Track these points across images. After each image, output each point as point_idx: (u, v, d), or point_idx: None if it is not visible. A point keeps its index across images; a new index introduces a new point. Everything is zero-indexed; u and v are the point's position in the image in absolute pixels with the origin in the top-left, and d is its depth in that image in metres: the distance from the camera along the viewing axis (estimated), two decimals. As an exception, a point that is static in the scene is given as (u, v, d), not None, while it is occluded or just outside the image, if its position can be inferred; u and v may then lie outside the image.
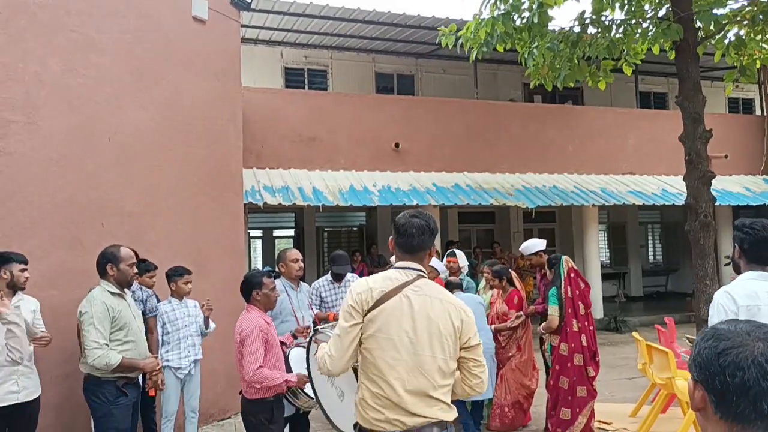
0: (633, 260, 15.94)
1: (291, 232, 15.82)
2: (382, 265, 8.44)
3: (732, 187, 12.18)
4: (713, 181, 7.59)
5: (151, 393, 4.17)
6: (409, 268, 2.53)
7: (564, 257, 5.17)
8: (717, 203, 8.29)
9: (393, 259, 2.64)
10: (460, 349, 2.49)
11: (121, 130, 5.39)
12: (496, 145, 11.72)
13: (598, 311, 11.49)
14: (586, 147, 12.26)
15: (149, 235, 5.49)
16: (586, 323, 4.95)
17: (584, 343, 4.87)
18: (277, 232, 17.28)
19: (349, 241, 15.34)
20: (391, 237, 2.60)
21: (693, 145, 7.38)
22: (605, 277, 13.44)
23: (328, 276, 5.79)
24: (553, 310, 4.97)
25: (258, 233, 17.48)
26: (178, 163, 5.90)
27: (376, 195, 9.82)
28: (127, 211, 5.35)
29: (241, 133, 7.03)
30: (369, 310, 2.41)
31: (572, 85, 8.83)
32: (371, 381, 2.41)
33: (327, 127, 10.79)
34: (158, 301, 5.07)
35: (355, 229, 15.46)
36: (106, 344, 3.58)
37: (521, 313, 5.77)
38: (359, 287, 2.47)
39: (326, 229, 15.19)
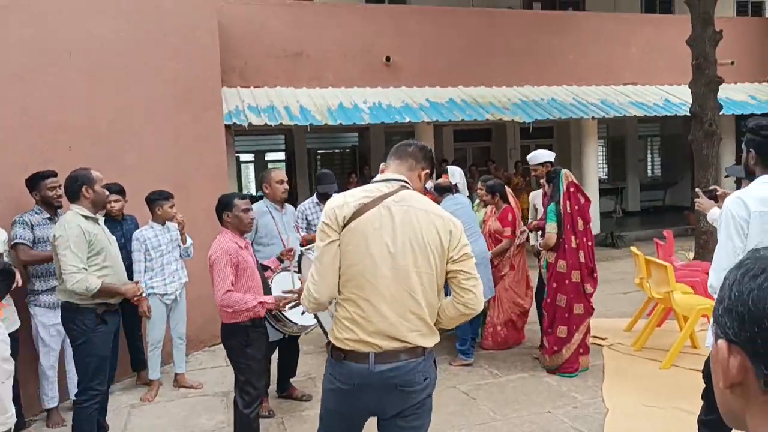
0: (631, 175, 15.70)
1: (282, 155, 15.45)
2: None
3: (736, 95, 11.73)
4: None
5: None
6: (391, 179, 2.32)
7: (564, 171, 4.90)
8: (722, 112, 7.95)
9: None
10: (449, 262, 2.28)
11: (86, 43, 4.97)
12: (492, 57, 11.16)
13: (595, 227, 11.34)
14: (586, 56, 11.70)
15: (125, 158, 5.19)
16: (584, 239, 4.76)
17: (582, 259, 4.70)
18: (269, 156, 16.92)
19: (342, 163, 15.03)
20: (383, 164, 2.44)
21: (701, 49, 6.95)
22: (603, 192, 13.25)
23: (314, 197, 5.55)
24: (551, 227, 4.77)
25: (249, 157, 17.11)
26: (153, 80, 5.51)
27: (366, 112, 9.42)
28: (99, 133, 5.02)
29: (218, 46, 6.56)
30: (345, 224, 2.20)
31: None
32: (349, 299, 2.23)
33: (314, 41, 10.21)
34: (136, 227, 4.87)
35: (347, 150, 15.11)
36: (84, 268, 3.40)
37: (524, 228, 5.59)
38: (334, 202, 2.26)
39: (318, 150, 14.83)
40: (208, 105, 6.17)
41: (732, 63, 10.60)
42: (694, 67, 7.14)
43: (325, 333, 2.72)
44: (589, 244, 4.81)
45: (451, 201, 5.33)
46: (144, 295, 4.25)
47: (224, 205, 3.45)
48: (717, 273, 2.43)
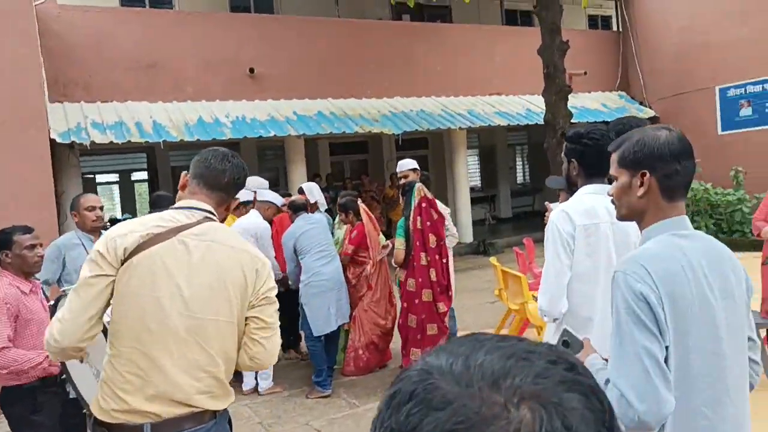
0: (502, 182, 16.27)
1: (145, 174, 14.44)
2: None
3: (590, 103, 12.45)
4: (572, 99, 7.51)
5: None
6: (193, 208, 1.92)
7: (418, 185, 4.72)
8: (574, 119, 8.29)
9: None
10: (248, 306, 1.94)
11: None
12: (362, 68, 11.02)
13: (467, 235, 11.57)
14: (454, 67, 11.90)
15: None
16: (437, 257, 4.61)
17: (433, 277, 4.54)
18: (136, 175, 15.77)
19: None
20: (184, 173, 2.00)
21: (550, 58, 7.18)
22: (476, 200, 13.57)
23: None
24: (399, 243, 4.59)
25: (114, 177, 15.85)
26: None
27: (228, 127, 8.90)
28: None
29: (39, 57, 5.82)
30: (126, 259, 1.78)
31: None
32: (122, 356, 1.80)
33: (169, 52, 9.52)
34: None
35: (222, 166, 14.34)
36: None
37: (387, 242, 5.36)
38: (115, 230, 1.83)
39: (184, 168, 13.96)
40: (27, 123, 5.42)
41: (585, 73, 11.22)
42: (545, 76, 7.37)
43: (82, 399, 2.26)
44: (444, 261, 4.67)
45: (304, 219, 5.03)
46: None
47: (0, 243, 2.88)
48: (545, 295, 2.24)
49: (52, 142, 7.14)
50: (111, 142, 7.89)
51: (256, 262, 1.98)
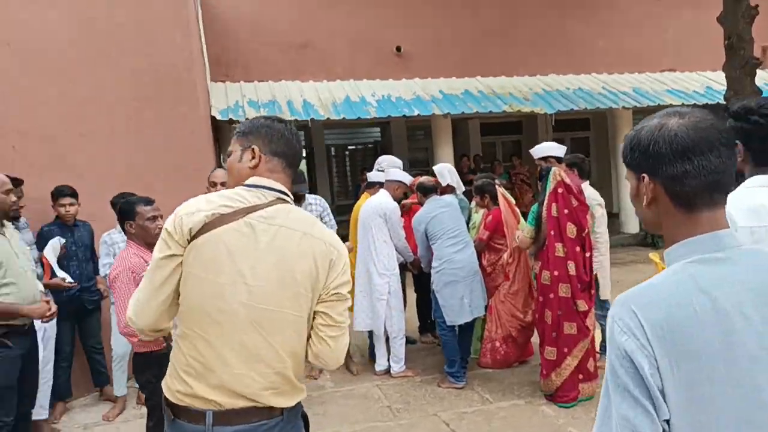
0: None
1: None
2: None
3: (786, 80, 10.62)
4: (762, 73, 6.36)
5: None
6: (265, 188, 1.75)
7: (555, 169, 4.23)
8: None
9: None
10: (317, 300, 1.75)
11: (26, 34, 4.60)
12: (513, 44, 10.42)
13: (633, 226, 10.55)
14: (618, 42, 10.81)
15: (75, 158, 4.81)
16: (577, 248, 4.09)
17: (572, 271, 4.03)
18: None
19: (364, 159, 14.50)
20: (255, 147, 1.78)
21: (734, 26, 6.10)
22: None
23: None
24: (527, 230, 4.17)
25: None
26: (106, 74, 5.10)
27: (373, 106, 8.87)
28: (43, 132, 4.65)
29: (194, 36, 6.13)
30: (193, 238, 1.65)
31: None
32: (186, 339, 1.69)
33: (320, 32, 9.73)
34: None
35: (370, 145, 14.57)
36: None
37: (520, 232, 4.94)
38: (184, 207, 1.70)
39: (338, 146, 14.35)
40: (179, 100, 5.73)
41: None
42: (727, 48, 6.29)
43: None
44: (586, 255, 4.14)
45: (434, 203, 4.77)
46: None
47: (125, 213, 2.97)
48: None
49: (214, 119, 7.68)
50: (264, 120, 8.22)
51: (331, 252, 1.76)
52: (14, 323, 3.14)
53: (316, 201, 5.13)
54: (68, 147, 4.77)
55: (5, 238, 3.19)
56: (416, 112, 8.76)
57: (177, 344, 1.72)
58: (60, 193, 4.40)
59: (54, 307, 3.32)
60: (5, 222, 3.24)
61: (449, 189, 5.46)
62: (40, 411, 3.92)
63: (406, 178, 5.11)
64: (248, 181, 1.77)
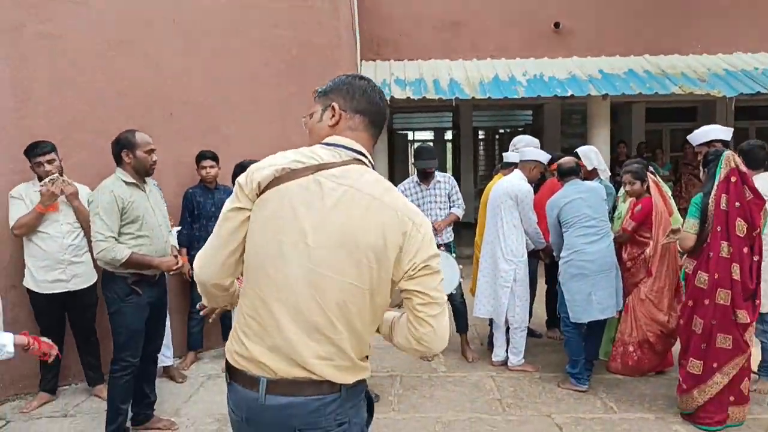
0: None
1: (450, 134, 14.91)
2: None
3: None
4: None
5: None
6: (342, 146, 1.65)
7: (727, 153, 3.60)
8: None
9: None
10: (403, 277, 1.59)
11: (188, 10, 4.95)
12: (692, 17, 9.24)
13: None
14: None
15: (223, 127, 5.12)
16: (745, 249, 3.46)
17: (736, 276, 3.42)
18: (448, 134, 16.48)
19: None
20: (335, 105, 1.67)
21: None
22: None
23: (414, 176, 4.95)
24: (690, 225, 3.56)
25: (428, 135, 16.84)
26: (255, 48, 5.36)
27: (522, 86, 8.40)
28: (197, 101, 5.00)
29: (344, 16, 6.23)
30: (261, 192, 1.59)
31: None
32: (246, 297, 1.64)
33: (473, 9, 9.43)
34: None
35: (520, 128, 13.96)
36: (113, 237, 3.27)
37: (679, 227, 4.34)
38: (258, 163, 1.64)
39: (487, 129, 13.95)
40: (323, 75, 5.84)
41: None
42: None
43: None
44: (755, 258, 3.48)
45: (573, 187, 4.35)
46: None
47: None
48: None
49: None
50: (408, 98, 8.18)
51: (405, 222, 1.58)
52: (145, 273, 3.41)
53: (444, 178, 4.97)
54: (215, 117, 5.09)
55: (144, 193, 3.46)
56: (569, 92, 8.13)
57: (239, 303, 1.68)
58: (202, 156, 4.75)
59: (181, 262, 3.56)
60: (146, 179, 3.52)
61: (594, 174, 4.99)
62: (163, 359, 4.25)
63: (543, 157, 4.74)
64: (326, 140, 1.67)
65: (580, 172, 4.49)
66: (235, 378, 1.64)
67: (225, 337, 5.00)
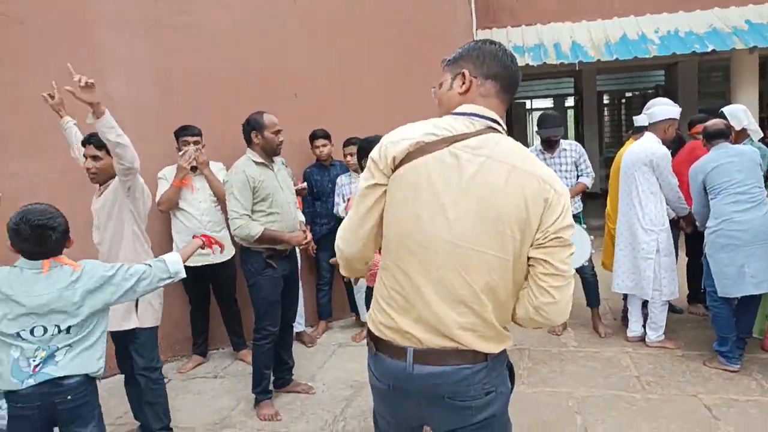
0: None
1: (572, 101, 14.18)
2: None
3: None
4: None
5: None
6: (475, 115, 1.60)
7: None
8: None
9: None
10: (533, 244, 1.55)
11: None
12: None
13: None
14: None
15: (347, 105, 5.23)
16: None
17: None
18: (569, 101, 15.74)
19: (642, 107, 13.02)
20: (466, 71, 1.62)
21: None
22: None
23: (537, 144, 4.77)
24: None
25: (548, 102, 16.18)
26: (375, 25, 5.39)
27: (654, 43, 7.76)
28: (319, 81, 5.14)
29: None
30: (396, 167, 1.59)
31: None
32: (388, 270, 1.65)
33: (597, -35, 8.81)
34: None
35: (650, 91, 12.96)
36: (247, 214, 3.47)
37: None
38: (389, 136, 1.63)
39: (612, 93, 13.09)
40: (439, 47, 5.76)
41: None
42: None
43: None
44: None
45: (721, 151, 3.97)
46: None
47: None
48: None
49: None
50: (527, 65, 7.87)
51: (547, 190, 1.52)
52: (278, 248, 3.59)
53: (571, 146, 4.75)
54: (338, 95, 5.21)
55: (273, 172, 3.63)
56: (710, 47, 7.40)
57: (380, 276, 1.70)
58: (314, 136, 4.90)
59: (309, 236, 3.71)
60: (274, 158, 3.68)
61: (742, 135, 4.52)
62: (296, 325, 4.45)
63: (675, 112, 4.34)
64: (457, 109, 1.63)
65: (730, 134, 4.08)
66: (381, 348, 1.67)
67: (352, 309, 5.21)
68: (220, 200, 4.25)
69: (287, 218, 3.61)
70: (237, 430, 3.52)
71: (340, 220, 4.83)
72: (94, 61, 4.30)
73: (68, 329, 2.20)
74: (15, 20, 4.05)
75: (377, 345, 1.69)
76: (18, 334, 2.14)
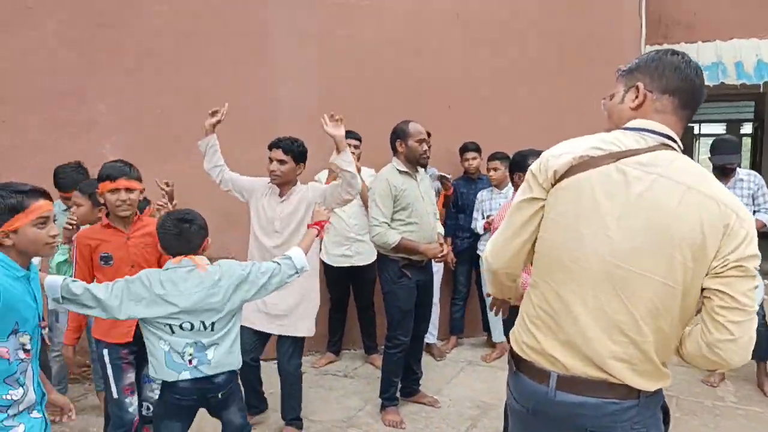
0: None
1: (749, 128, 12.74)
2: None
3: None
4: None
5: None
6: (647, 131, 1.49)
7: None
8: None
9: None
10: (709, 273, 1.40)
11: (473, 6, 5.09)
12: None
13: None
14: None
15: (500, 118, 5.15)
16: None
17: None
18: (745, 128, 14.22)
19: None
20: (640, 84, 1.51)
21: None
22: None
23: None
24: None
25: (720, 128, 14.73)
26: (534, 37, 5.25)
27: None
28: (474, 93, 5.12)
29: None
30: (557, 181, 1.52)
31: None
32: (537, 288, 1.59)
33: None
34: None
35: None
36: (386, 222, 3.52)
37: None
38: (551, 150, 1.57)
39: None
40: (602, 62, 5.47)
41: None
42: None
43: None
44: None
45: None
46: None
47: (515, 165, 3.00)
48: None
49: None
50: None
51: (728, 215, 1.37)
52: (413, 258, 3.60)
53: (749, 177, 4.27)
54: (492, 108, 5.15)
55: (416, 182, 3.66)
56: None
57: (528, 294, 1.65)
58: (465, 148, 4.87)
59: (446, 250, 3.68)
60: (418, 168, 3.72)
61: None
62: (428, 336, 4.44)
63: None
64: (628, 124, 1.53)
65: None
66: (522, 368, 1.61)
67: (485, 328, 5.11)
68: (366, 206, 4.38)
69: (426, 229, 3.62)
70: (362, 431, 3.60)
71: (479, 236, 4.77)
72: (266, 69, 4.66)
73: (212, 325, 2.36)
74: (201, 30, 4.50)
75: (518, 365, 1.63)
76: (170, 329, 2.32)
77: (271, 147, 3.34)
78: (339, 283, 4.52)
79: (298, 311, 3.34)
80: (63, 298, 2.20)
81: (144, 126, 4.42)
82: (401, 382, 3.84)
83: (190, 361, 2.32)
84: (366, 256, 4.48)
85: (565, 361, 1.49)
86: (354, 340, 4.92)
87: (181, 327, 2.32)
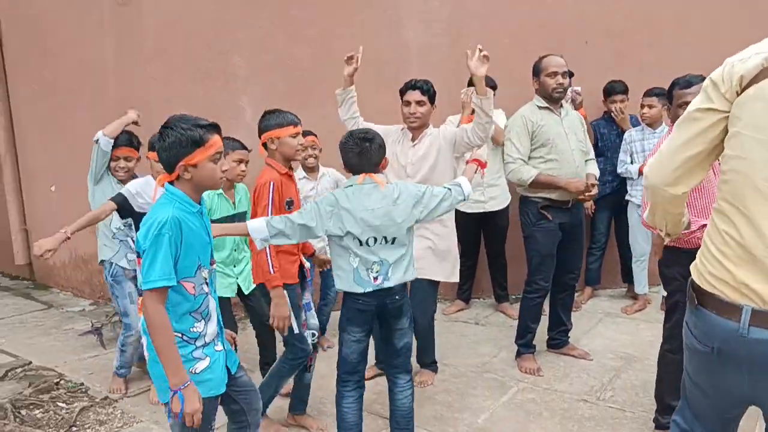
0: None
1: None
2: None
3: None
4: None
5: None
6: None
7: None
8: None
9: None
10: None
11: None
12: None
13: None
14: None
15: (642, 53, 4.72)
16: None
17: None
18: None
19: None
20: None
21: None
22: None
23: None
24: None
25: None
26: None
27: None
28: (614, 27, 4.72)
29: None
30: (744, 89, 1.34)
31: None
32: (723, 214, 1.42)
33: None
34: None
35: None
36: (521, 159, 3.37)
37: None
38: (736, 55, 1.39)
39: None
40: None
41: None
42: None
43: None
44: None
45: None
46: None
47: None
48: None
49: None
50: None
51: None
52: (554, 198, 3.39)
53: None
54: (633, 43, 4.73)
55: (558, 117, 3.44)
56: None
57: (713, 220, 1.48)
58: (612, 89, 4.48)
59: (594, 191, 3.43)
60: (563, 103, 3.49)
61: None
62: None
63: None
64: None
65: None
66: (706, 302, 1.45)
67: (625, 279, 4.80)
68: (499, 147, 4.20)
69: (567, 167, 3.38)
70: (498, 376, 3.55)
71: (623, 180, 4.45)
72: (395, 12, 4.58)
73: (393, 240, 2.43)
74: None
75: (701, 299, 1.47)
76: (359, 243, 2.39)
77: (406, 89, 3.26)
78: (470, 228, 4.42)
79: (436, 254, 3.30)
80: (271, 235, 2.36)
81: (277, 78, 4.54)
82: (549, 333, 3.75)
83: (375, 279, 2.42)
84: (499, 201, 4.36)
85: (763, 292, 1.32)
86: (483, 289, 4.84)
87: (367, 242, 2.40)
